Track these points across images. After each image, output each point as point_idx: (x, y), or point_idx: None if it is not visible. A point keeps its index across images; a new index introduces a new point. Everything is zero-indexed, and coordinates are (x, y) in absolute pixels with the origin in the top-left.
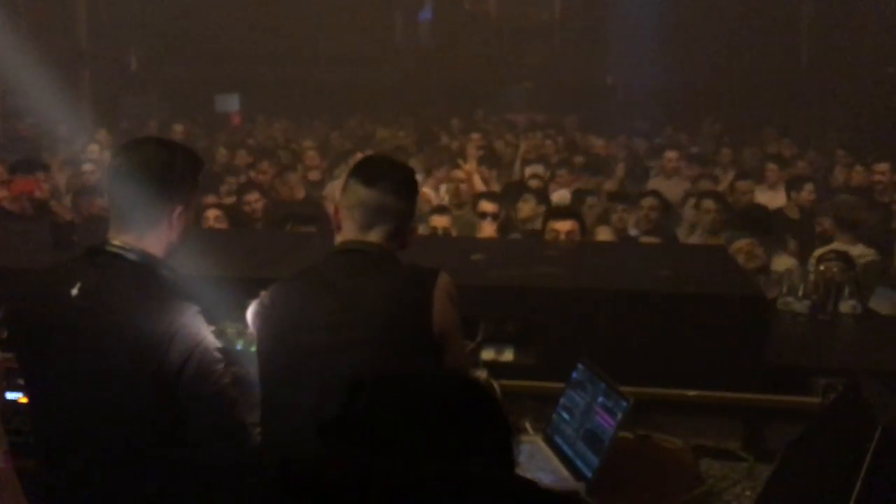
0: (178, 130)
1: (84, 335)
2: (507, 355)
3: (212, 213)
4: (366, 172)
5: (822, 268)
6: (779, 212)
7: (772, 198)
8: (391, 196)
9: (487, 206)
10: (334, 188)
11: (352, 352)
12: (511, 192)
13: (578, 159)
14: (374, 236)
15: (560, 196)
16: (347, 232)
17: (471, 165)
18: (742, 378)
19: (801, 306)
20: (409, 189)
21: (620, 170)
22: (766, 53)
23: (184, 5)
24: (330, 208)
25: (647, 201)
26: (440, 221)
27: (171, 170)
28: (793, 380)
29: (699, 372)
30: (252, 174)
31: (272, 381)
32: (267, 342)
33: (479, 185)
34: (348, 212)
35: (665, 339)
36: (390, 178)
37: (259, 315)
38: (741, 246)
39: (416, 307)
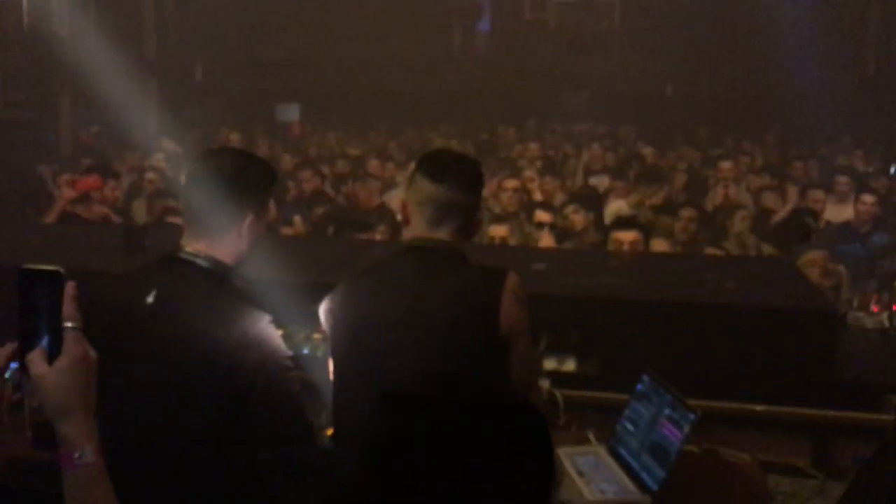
0: (234, 139)
1: (158, 343)
2: (570, 365)
3: None
4: (433, 168)
5: None
6: (845, 225)
7: (839, 211)
8: (459, 192)
9: (543, 215)
10: (391, 197)
11: (420, 350)
12: (573, 203)
13: (636, 170)
14: (443, 232)
15: (617, 207)
16: (416, 227)
17: (530, 174)
18: (811, 393)
19: (872, 322)
20: (476, 183)
21: (680, 180)
22: (831, 61)
23: (247, 16)
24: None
25: (687, 212)
26: (498, 231)
27: (243, 178)
28: (864, 396)
29: (767, 386)
30: (297, 183)
31: (344, 379)
32: (338, 341)
33: (536, 195)
34: (417, 207)
35: (731, 351)
36: (458, 173)
37: (330, 313)
38: (815, 258)
39: (485, 306)
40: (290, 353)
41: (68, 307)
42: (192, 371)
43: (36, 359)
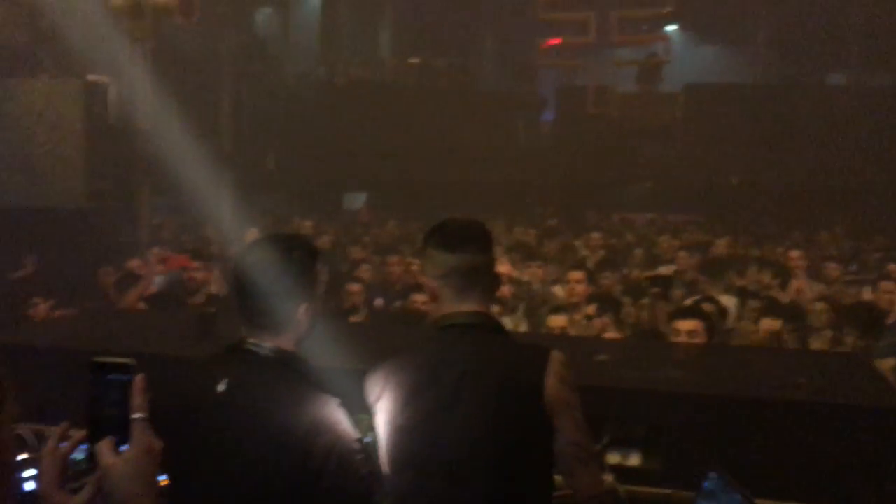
0: (307, 226)
1: (230, 431)
2: (634, 460)
3: None
4: (446, 238)
5: None
6: None
7: None
8: (478, 255)
9: (592, 308)
10: None
11: (467, 429)
12: (636, 292)
13: (700, 260)
14: (474, 302)
15: (728, 301)
16: (446, 302)
17: (591, 263)
18: (885, 496)
19: None
20: (489, 242)
21: (753, 273)
22: None
23: (317, 108)
24: None
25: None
26: (557, 321)
27: (290, 269)
28: None
29: (838, 487)
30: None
31: (393, 464)
32: (385, 425)
33: (585, 287)
34: (442, 281)
35: (801, 450)
36: (472, 239)
37: (377, 388)
38: (889, 366)
39: (529, 385)
40: (358, 435)
41: (137, 399)
42: (265, 458)
43: (105, 448)
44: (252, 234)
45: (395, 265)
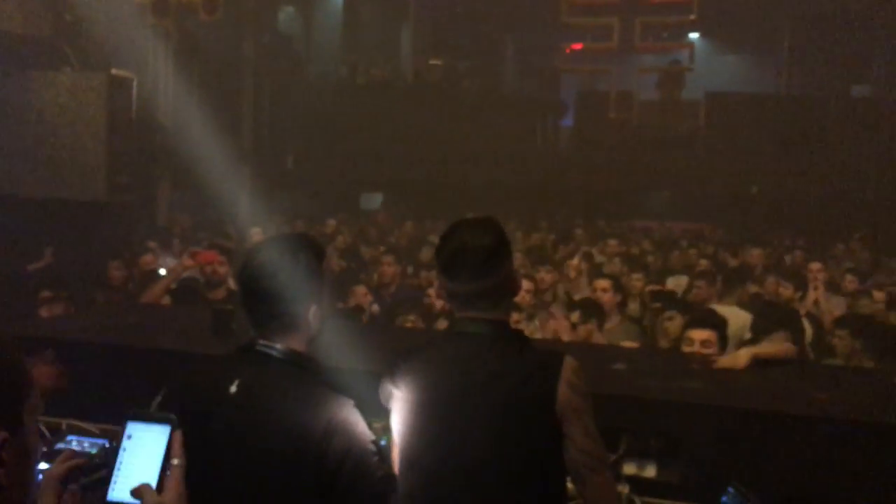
0: (331, 225)
1: (243, 433)
2: (650, 471)
3: None
4: (445, 264)
5: None
6: None
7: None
8: (473, 283)
9: (576, 315)
10: None
11: (477, 436)
12: (655, 302)
13: (719, 270)
14: (481, 311)
15: (733, 312)
16: (455, 308)
17: (610, 271)
18: None
19: None
20: (490, 266)
21: (771, 284)
22: None
23: (336, 110)
24: None
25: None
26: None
27: (296, 273)
28: None
29: None
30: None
31: (403, 465)
32: (397, 426)
33: (612, 296)
34: (445, 294)
35: (820, 466)
36: (469, 265)
37: (390, 397)
38: None
39: (541, 391)
40: (373, 437)
41: (177, 449)
42: (281, 459)
43: (146, 490)
44: (256, 233)
45: (388, 265)
